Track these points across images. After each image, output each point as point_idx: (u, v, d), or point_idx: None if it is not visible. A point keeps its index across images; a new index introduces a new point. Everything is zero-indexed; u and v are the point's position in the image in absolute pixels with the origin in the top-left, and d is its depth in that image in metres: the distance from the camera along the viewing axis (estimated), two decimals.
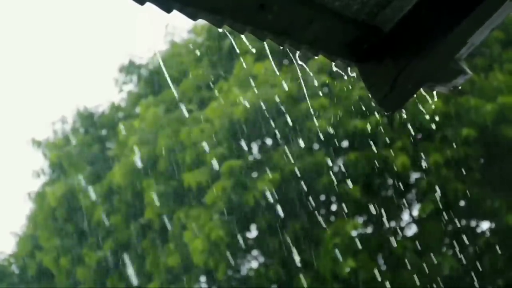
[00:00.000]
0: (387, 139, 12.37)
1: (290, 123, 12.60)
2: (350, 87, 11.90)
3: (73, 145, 16.60)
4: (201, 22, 1.91)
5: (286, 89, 12.79)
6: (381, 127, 12.31)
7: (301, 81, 13.10)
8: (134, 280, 14.54)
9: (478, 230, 13.46)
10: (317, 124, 12.38)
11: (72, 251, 15.42)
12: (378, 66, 2.39)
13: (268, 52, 12.33)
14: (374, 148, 12.25)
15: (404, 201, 13.47)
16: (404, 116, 11.62)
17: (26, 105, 31.65)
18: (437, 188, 12.31)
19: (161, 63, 16.23)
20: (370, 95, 2.44)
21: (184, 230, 13.13)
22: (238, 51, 13.79)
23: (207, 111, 13.48)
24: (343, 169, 12.80)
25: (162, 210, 13.57)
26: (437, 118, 12.09)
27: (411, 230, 13.48)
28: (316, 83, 12.84)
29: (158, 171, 13.85)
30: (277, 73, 13.18)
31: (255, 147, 13.67)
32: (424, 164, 12.36)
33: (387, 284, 12.50)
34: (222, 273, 13.07)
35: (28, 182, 27.28)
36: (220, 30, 2.00)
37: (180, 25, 16.53)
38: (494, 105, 12.29)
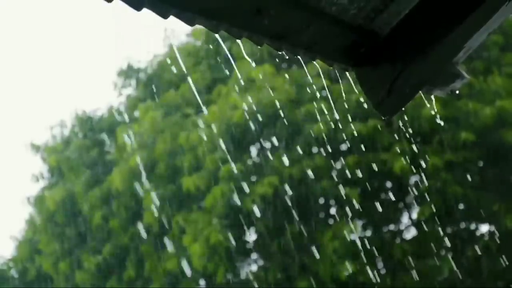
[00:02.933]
0: (386, 142, 12.39)
1: (289, 127, 12.61)
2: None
3: (72, 149, 16.59)
4: (199, 26, 1.91)
5: (285, 92, 12.80)
6: (379, 131, 12.31)
7: (300, 84, 13.09)
8: (133, 284, 14.53)
9: (477, 233, 13.46)
10: (315, 127, 12.38)
11: (72, 255, 15.41)
12: (375, 70, 2.39)
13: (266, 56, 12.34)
14: (373, 151, 12.26)
15: (403, 204, 13.47)
16: (403, 119, 11.63)
17: (24, 109, 31.64)
18: (436, 191, 12.31)
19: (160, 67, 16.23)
20: (367, 99, 2.44)
21: (183, 234, 13.12)
22: (236, 55, 13.79)
23: (206, 115, 13.48)
24: (342, 172, 12.80)
25: (161, 214, 13.56)
26: (435, 122, 12.09)
27: (410, 233, 13.48)
28: (314, 87, 12.85)
29: (157, 175, 13.84)
30: (276, 76, 13.19)
31: (254, 151, 13.67)
32: (423, 167, 12.36)
33: (387, 287, 12.50)
34: (221, 276, 13.07)
35: (27, 186, 27.27)
36: (217, 35, 2.00)
37: (179, 29, 16.55)
38: (493, 109, 12.29)
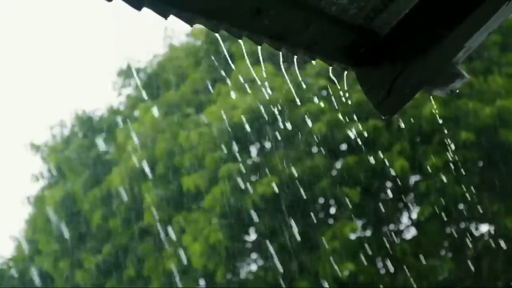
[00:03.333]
0: (386, 142, 12.39)
1: (289, 127, 12.61)
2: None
3: (71, 149, 16.59)
4: (199, 25, 1.91)
5: (285, 92, 12.79)
6: (379, 131, 12.31)
7: (300, 84, 13.09)
8: (133, 284, 14.53)
9: (477, 233, 13.46)
10: (315, 127, 12.38)
11: (71, 255, 15.41)
12: (375, 70, 2.39)
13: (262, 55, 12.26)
14: (372, 151, 12.26)
15: (403, 204, 13.47)
16: (403, 119, 11.63)
17: (24, 109, 31.65)
18: (436, 191, 12.32)
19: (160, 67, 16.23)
20: (367, 99, 2.45)
21: (183, 233, 13.12)
22: (236, 54, 13.79)
23: (205, 115, 13.49)
24: (342, 172, 12.80)
25: (161, 214, 13.56)
26: (435, 122, 12.09)
27: (410, 233, 13.48)
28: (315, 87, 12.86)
29: (157, 174, 13.84)
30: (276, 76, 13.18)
31: (253, 151, 13.67)
32: (422, 167, 12.36)
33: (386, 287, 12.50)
34: (221, 276, 13.07)
35: (27, 186, 27.25)
36: (217, 34, 2.00)
37: (179, 29, 16.55)
38: (493, 109, 12.29)
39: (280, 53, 2.19)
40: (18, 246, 17.37)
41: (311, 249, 12.55)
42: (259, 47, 2.12)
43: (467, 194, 12.21)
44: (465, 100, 12.50)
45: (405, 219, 13.55)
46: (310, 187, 12.33)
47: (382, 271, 13.03)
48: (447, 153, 12.21)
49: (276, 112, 12.51)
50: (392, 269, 12.72)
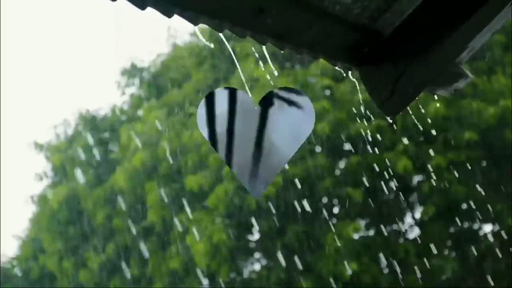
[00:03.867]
0: (389, 142, 12.38)
1: None
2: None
3: (75, 148, 16.60)
4: (203, 25, 1.92)
5: None
6: (382, 130, 12.31)
7: (303, 83, 13.08)
8: (137, 283, 14.54)
9: (481, 233, 13.46)
10: (318, 127, 12.37)
11: (75, 254, 15.43)
12: (379, 70, 2.39)
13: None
14: (376, 151, 12.26)
15: (407, 204, 13.46)
16: (406, 119, 11.62)
17: (28, 108, 31.69)
18: (439, 191, 12.31)
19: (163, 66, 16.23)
20: (371, 99, 2.45)
21: (186, 233, 13.13)
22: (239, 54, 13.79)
23: None
24: (345, 172, 12.79)
25: (165, 213, 13.56)
26: (439, 121, 12.09)
27: (414, 233, 13.47)
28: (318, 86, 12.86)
29: (160, 174, 13.84)
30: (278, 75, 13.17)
31: None
32: (426, 167, 12.35)
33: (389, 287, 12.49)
34: (225, 275, 13.07)
35: (31, 185, 27.27)
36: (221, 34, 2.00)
37: (183, 28, 16.55)
38: (496, 109, 12.29)
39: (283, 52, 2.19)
40: (21, 245, 17.39)
41: (314, 248, 12.55)
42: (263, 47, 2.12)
43: (470, 194, 12.21)
44: (468, 100, 12.49)
45: (408, 219, 13.54)
46: (313, 186, 12.33)
47: (386, 271, 13.03)
48: (451, 153, 12.21)
49: None
50: (395, 269, 12.72)
